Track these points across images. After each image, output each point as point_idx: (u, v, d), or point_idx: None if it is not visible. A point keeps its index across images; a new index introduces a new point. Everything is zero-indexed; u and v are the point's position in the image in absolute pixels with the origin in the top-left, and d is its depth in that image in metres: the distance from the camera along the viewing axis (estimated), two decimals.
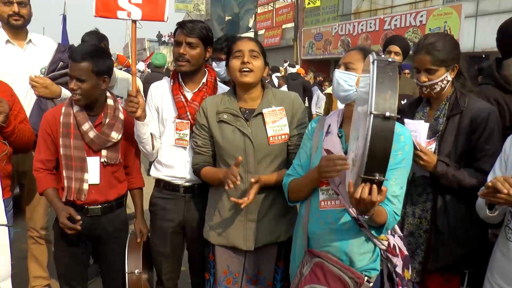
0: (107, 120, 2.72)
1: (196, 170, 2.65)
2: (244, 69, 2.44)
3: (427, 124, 2.44)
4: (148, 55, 21.30)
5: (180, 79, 2.81)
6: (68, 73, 2.59)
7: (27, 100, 3.32)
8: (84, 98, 2.62)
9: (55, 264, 2.91)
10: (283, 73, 14.48)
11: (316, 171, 2.09)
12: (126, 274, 2.75)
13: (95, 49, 2.68)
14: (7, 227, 2.56)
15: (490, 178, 2.12)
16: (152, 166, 2.92)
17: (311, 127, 2.37)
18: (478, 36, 13.84)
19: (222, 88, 2.91)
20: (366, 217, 1.89)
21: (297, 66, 15.91)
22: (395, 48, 4.16)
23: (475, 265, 2.43)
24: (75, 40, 2.92)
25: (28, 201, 3.57)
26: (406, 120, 2.46)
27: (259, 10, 26.87)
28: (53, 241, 2.93)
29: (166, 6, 2.70)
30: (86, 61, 2.55)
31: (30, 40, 3.50)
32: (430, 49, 2.39)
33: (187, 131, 2.72)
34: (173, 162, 2.79)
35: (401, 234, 2.27)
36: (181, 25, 2.74)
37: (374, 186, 1.67)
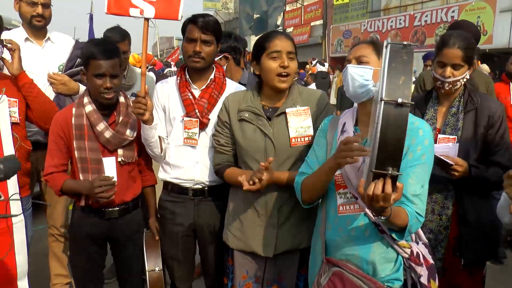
0: (121, 118, 2.66)
1: (218, 170, 2.54)
2: (283, 74, 2.32)
3: (457, 145, 2.44)
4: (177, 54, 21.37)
5: (187, 76, 2.74)
6: (96, 72, 2.51)
7: None
8: (116, 94, 2.61)
9: (71, 268, 2.89)
10: (310, 71, 14.30)
11: (333, 158, 1.96)
12: (147, 272, 2.72)
13: (116, 46, 2.66)
14: (24, 226, 2.59)
15: None
16: (160, 167, 2.84)
17: (324, 124, 2.26)
18: None
19: (230, 84, 2.83)
20: (382, 218, 1.76)
21: (326, 64, 15.70)
22: None
23: (496, 255, 2.62)
24: None
25: (48, 199, 3.58)
26: (435, 145, 2.37)
27: (288, 8, 26.70)
28: (69, 245, 2.90)
29: (181, 5, 2.62)
30: (117, 57, 2.54)
31: (48, 38, 3.51)
32: (461, 46, 2.39)
33: (196, 130, 2.64)
34: (182, 163, 2.71)
35: (426, 241, 2.15)
36: (193, 20, 2.64)
37: (388, 181, 1.55)
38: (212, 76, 2.74)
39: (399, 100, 1.48)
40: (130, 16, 2.59)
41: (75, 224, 2.77)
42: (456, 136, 2.45)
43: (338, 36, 21.89)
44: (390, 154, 1.50)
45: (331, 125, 2.21)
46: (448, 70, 2.42)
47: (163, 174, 2.80)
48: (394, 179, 1.55)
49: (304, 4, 25.08)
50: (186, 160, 2.70)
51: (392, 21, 18.42)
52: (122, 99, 2.73)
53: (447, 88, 2.46)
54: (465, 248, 2.46)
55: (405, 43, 1.60)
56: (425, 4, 17.45)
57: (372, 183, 1.57)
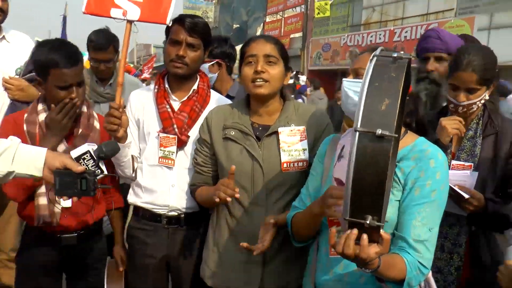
0: (80, 130, 2.29)
1: (192, 192, 2.28)
2: (257, 79, 2.05)
3: (476, 173, 2.15)
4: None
5: (167, 85, 2.39)
6: (60, 84, 2.15)
7: None
8: (80, 105, 2.26)
9: None
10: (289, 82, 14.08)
11: (319, 204, 1.67)
12: None
13: (76, 49, 2.29)
14: None
15: None
16: (130, 190, 2.52)
17: (323, 147, 1.96)
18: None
19: (215, 96, 2.50)
20: (367, 270, 1.44)
21: (304, 77, 15.48)
22: None
23: None
24: (76, 42, 2.50)
25: None
26: (450, 172, 2.04)
27: (268, 19, 26.67)
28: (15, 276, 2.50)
29: (170, 7, 2.32)
30: (81, 62, 2.19)
31: (3, 37, 3.09)
32: (477, 68, 2.13)
33: (173, 148, 2.30)
34: (156, 186, 2.37)
35: None
36: (180, 20, 2.33)
37: (364, 236, 1.27)
38: (195, 87, 2.43)
39: (378, 132, 1.18)
40: (111, 17, 2.30)
41: (24, 250, 2.41)
42: (472, 163, 2.18)
43: (318, 49, 21.84)
44: (368, 199, 1.21)
45: (330, 148, 1.90)
46: (462, 95, 2.18)
47: (134, 197, 2.48)
48: (377, 229, 1.26)
49: (285, 16, 25.04)
50: (160, 182, 2.38)
51: (372, 36, 18.43)
52: (84, 108, 2.36)
53: (461, 112, 2.22)
54: None
55: (395, 55, 1.29)
56: (405, 20, 17.53)
57: (343, 235, 1.30)
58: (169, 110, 2.36)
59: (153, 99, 2.42)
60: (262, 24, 26.42)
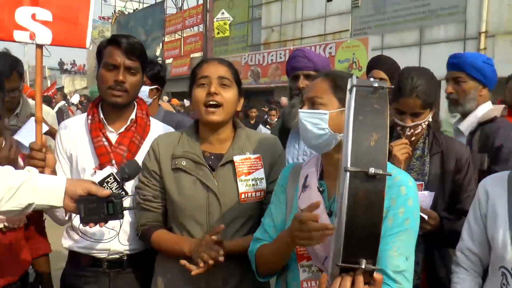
0: None
1: (144, 233, 2.04)
2: (211, 102, 1.93)
3: (433, 193, 2.20)
4: (49, 85, 19.69)
5: (101, 115, 2.13)
6: None
7: None
8: None
9: None
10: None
11: (288, 234, 1.56)
12: None
13: None
14: None
15: (465, 232, 2.00)
16: (64, 233, 2.26)
17: (284, 176, 1.87)
18: None
19: (156, 125, 2.34)
20: None
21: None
22: (379, 73, 3.21)
23: None
24: None
25: None
26: None
27: (167, 39, 26.32)
28: None
29: (88, 28, 2.07)
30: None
31: None
32: (421, 94, 2.21)
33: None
34: (94, 228, 1.99)
35: None
36: (115, 41, 2.13)
37: (359, 278, 1.21)
38: (133, 116, 2.23)
39: (371, 171, 1.12)
40: (15, 41, 2.04)
41: None
42: (423, 182, 2.25)
43: None
44: (362, 242, 1.16)
45: (291, 177, 1.82)
46: (408, 119, 2.25)
47: (69, 242, 2.23)
48: (371, 272, 1.21)
49: (184, 36, 24.88)
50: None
51: (272, 55, 18.80)
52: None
53: (409, 134, 2.28)
54: None
55: (376, 84, 1.20)
56: (304, 40, 18.05)
57: (337, 279, 1.24)
58: (106, 143, 2.15)
59: (86, 132, 2.21)
60: (161, 44, 25.95)
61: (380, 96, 1.21)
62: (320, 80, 1.71)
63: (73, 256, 2.26)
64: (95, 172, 2.11)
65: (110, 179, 1.87)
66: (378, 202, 1.15)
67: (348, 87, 1.26)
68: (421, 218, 1.97)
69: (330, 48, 16.21)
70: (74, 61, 45.87)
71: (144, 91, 2.92)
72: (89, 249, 2.16)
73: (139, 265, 2.21)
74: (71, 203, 1.71)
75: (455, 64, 2.69)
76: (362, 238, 1.15)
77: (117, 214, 1.74)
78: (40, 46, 2.07)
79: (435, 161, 2.30)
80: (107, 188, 1.84)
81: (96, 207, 1.71)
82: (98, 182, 1.84)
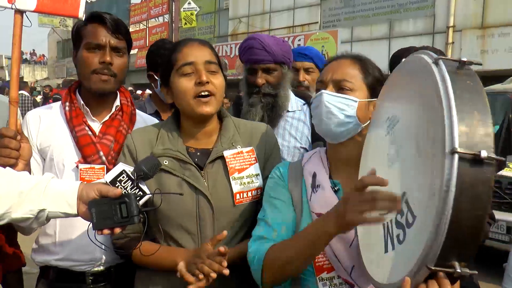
0: None
1: (123, 246, 1.73)
2: (203, 93, 1.65)
3: None
4: (7, 74, 18.79)
5: (82, 102, 1.89)
6: None
7: None
8: None
9: None
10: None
11: (334, 215, 1.28)
12: None
13: None
14: None
15: None
16: (34, 244, 1.95)
17: (281, 174, 1.64)
18: None
19: (141, 115, 2.11)
20: None
21: None
22: None
23: None
24: None
25: None
26: None
27: (131, 29, 25.79)
28: None
29: None
30: None
31: None
32: None
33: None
34: (75, 237, 1.84)
35: None
36: (98, 17, 1.87)
37: (445, 281, 1.05)
38: (117, 103, 1.98)
39: (482, 154, 0.97)
40: None
41: None
42: None
43: None
44: (461, 242, 1.01)
45: (292, 176, 1.62)
46: None
47: (42, 255, 1.91)
48: (462, 278, 1.05)
49: (149, 26, 24.40)
50: (81, 231, 1.84)
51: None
52: None
53: None
54: None
55: (464, 58, 1.07)
56: (272, 32, 17.92)
57: (422, 285, 1.06)
58: (90, 133, 1.88)
59: (63, 121, 1.92)
60: None
61: (468, 73, 1.07)
62: (349, 62, 1.55)
63: (47, 271, 1.95)
64: (77, 166, 1.87)
65: (123, 177, 1.65)
66: (486, 193, 0.99)
67: (430, 61, 1.10)
68: None
69: (299, 40, 16.17)
70: (33, 50, 44.32)
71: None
72: (69, 260, 1.88)
73: (125, 277, 1.93)
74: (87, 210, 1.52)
75: None
76: (464, 236, 1.00)
77: (132, 216, 1.51)
78: (20, 12, 1.75)
79: None
80: (120, 188, 1.62)
81: (107, 210, 1.50)
82: (110, 182, 1.63)
